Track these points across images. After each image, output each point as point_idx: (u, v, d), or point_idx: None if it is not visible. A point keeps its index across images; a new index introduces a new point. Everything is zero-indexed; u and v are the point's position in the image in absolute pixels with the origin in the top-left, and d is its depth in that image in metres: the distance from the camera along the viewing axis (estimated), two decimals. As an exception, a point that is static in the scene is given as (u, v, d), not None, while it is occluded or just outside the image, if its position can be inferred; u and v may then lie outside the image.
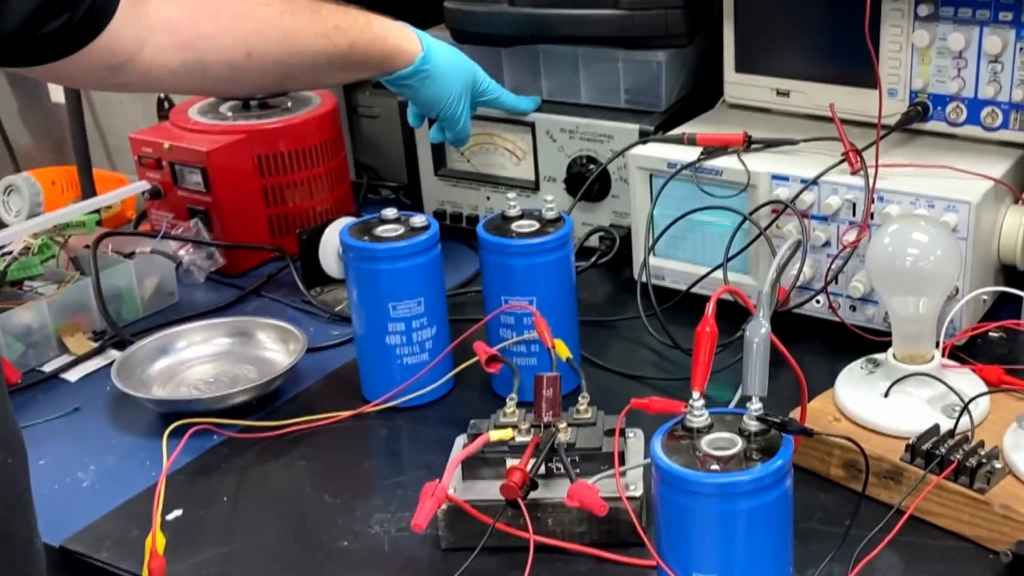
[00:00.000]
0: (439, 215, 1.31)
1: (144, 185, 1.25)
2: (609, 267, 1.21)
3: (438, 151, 1.30)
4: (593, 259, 1.20)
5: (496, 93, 1.19)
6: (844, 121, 1.04)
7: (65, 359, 1.10)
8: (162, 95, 1.57)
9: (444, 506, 0.79)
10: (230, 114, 1.30)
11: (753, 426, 0.67)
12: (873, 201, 0.98)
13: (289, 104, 1.32)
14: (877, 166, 0.98)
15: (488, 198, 1.29)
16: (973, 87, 1.03)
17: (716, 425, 0.68)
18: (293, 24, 0.99)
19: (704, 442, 0.67)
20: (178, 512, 0.86)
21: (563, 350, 0.92)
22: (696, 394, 0.69)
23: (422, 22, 1.30)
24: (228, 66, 0.95)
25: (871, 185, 0.98)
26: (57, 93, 1.65)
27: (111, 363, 1.05)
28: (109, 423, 1.00)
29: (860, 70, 1.07)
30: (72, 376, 1.08)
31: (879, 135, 0.99)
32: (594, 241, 1.22)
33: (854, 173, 1.00)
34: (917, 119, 1.06)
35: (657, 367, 1.05)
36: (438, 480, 0.78)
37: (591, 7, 1.17)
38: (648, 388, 1.01)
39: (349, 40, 1.03)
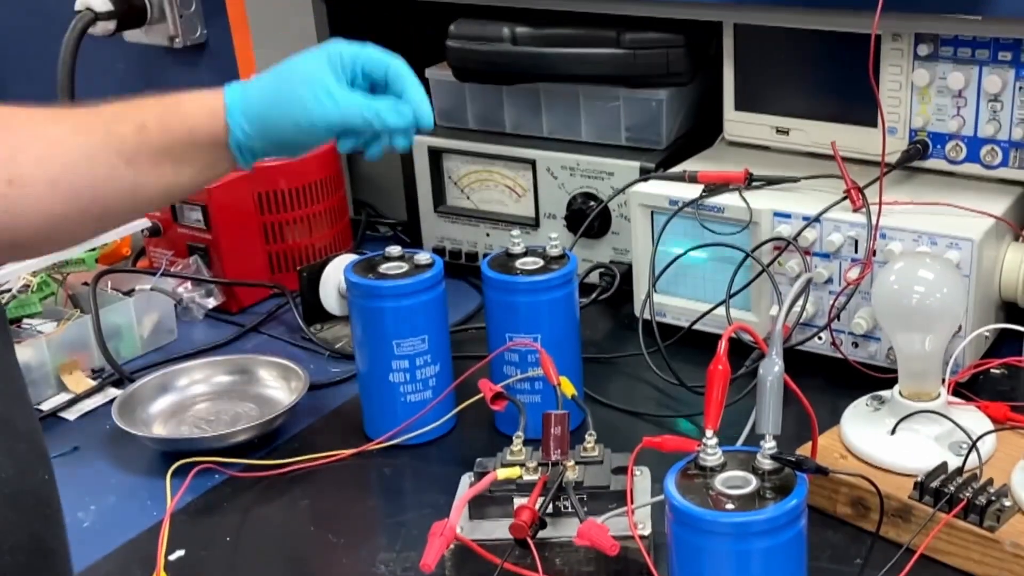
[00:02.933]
0: (439, 251, 1.31)
1: (144, 222, 1.25)
2: (610, 303, 1.21)
3: (438, 188, 1.31)
4: (594, 295, 1.20)
5: (393, 75, 0.86)
6: (843, 159, 1.04)
7: (64, 397, 1.09)
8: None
9: (452, 546, 0.79)
10: (230, 151, 1.30)
11: (767, 464, 0.67)
12: (876, 238, 0.99)
13: (289, 141, 1.32)
14: (881, 203, 0.98)
15: (488, 235, 1.29)
16: (973, 125, 1.04)
17: (729, 463, 0.68)
18: (57, 130, 0.78)
19: (718, 481, 0.67)
20: (180, 552, 0.85)
21: (568, 387, 0.91)
22: (709, 432, 0.68)
23: (424, 61, 1.31)
24: None
25: (875, 222, 0.98)
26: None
27: (111, 401, 1.04)
28: (109, 462, 0.99)
29: (859, 108, 1.08)
30: (71, 415, 1.07)
31: (883, 172, 1.00)
32: (594, 277, 1.22)
33: (856, 210, 1.01)
34: (917, 157, 1.07)
35: (659, 404, 1.05)
36: (446, 519, 0.78)
37: (593, 47, 1.18)
38: (650, 424, 1.01)
39: (136, 123, 0.80)
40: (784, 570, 0.65)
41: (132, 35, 1.53)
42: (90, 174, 0.78)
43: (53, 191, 0.76)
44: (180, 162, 0.81)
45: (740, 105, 1.16)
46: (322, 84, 0.82)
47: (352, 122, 0.83)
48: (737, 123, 1.17)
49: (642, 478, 0.85)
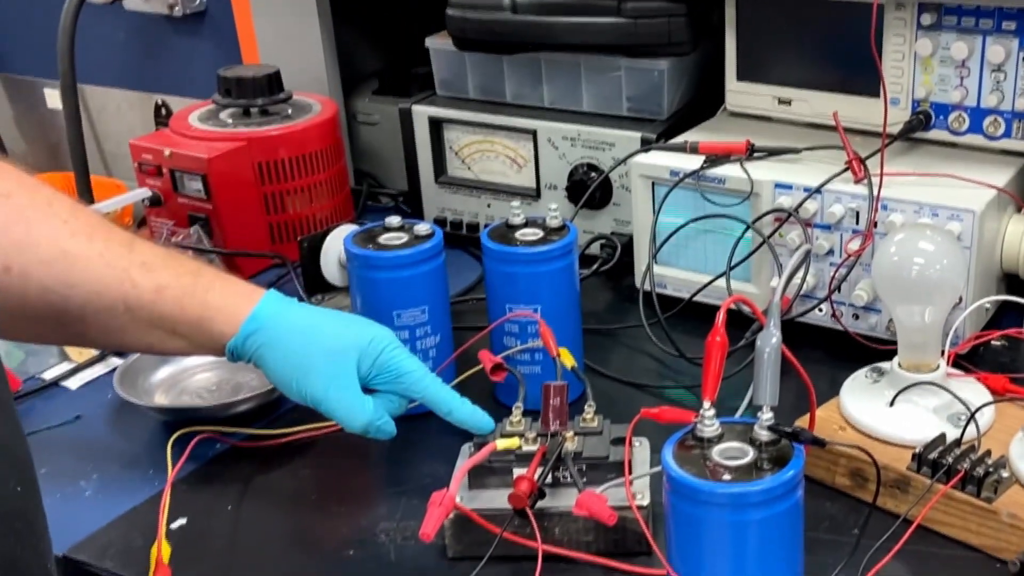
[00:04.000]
0: (439, 222, 1.31)
1: (145, 192, 1.25)
2: (610, 275, 1.21)
3: (438, 158, 1.30)
4: (594, 267, 1.19)
5: (424, 390, 0.86)
6: (845, 130, 1.04)
7: (66, 366, 1.09)
8: (160, 100, 1.57)
9: (451, 515, 0.79)
10: (230, 121, 1.29)
11: (764, 436, 0.67)
12: (877, 210, 0.98)
13: (289, 111, 1.31)
14: (882, 174, 0.98)
15: (489, 205, 1.29)
16: (976, 96, 1.04)
17: (726, 435, 0.68)
18: (78, 246, 0.77)
19: (715, 452, 0.67)
20: (182, 521, 0.86)
21: (568, 359, 0.91)
22: (707, 404, 0.68)
23: (425, 30, 1.30)
24: None
25: (876, 194, 0.98)
26: (54, 99, 1.64)
27: (112, 370, 1.04)
28: (111, 431, 0.99)
29: (861, 79, 1.07)
30: (73, 384, 1.07)
31: (884, 143, 1.00)
32: (595, 249, 1.22)
33: (858, 182, 1.00)
34: (920, 128, 1.06)
35: (659, 375, 1.05)
36: (445, 489, 0.78)
37: (594, 15, 1.17)
38: (650, 396, 1.01)
39: (158, 283, 0.79)
40: (781, 540, 0.66)
41: (132, 3, 1.52)
42: (87, 301, 0.78)
43: (43, 299, 0.77)
44: (174, 335, 0.82)
45: (742, 75, 1.16)
46: (339, 386, 0.83)
47: (348, 425, 0.84)
48: (739, 93, 1.16)
49: (641, 449, 0.85)
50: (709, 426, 0.68)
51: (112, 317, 0.79)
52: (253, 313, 0.82)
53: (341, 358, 0.83)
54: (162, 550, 0.79)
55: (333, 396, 0.83)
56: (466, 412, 0.85)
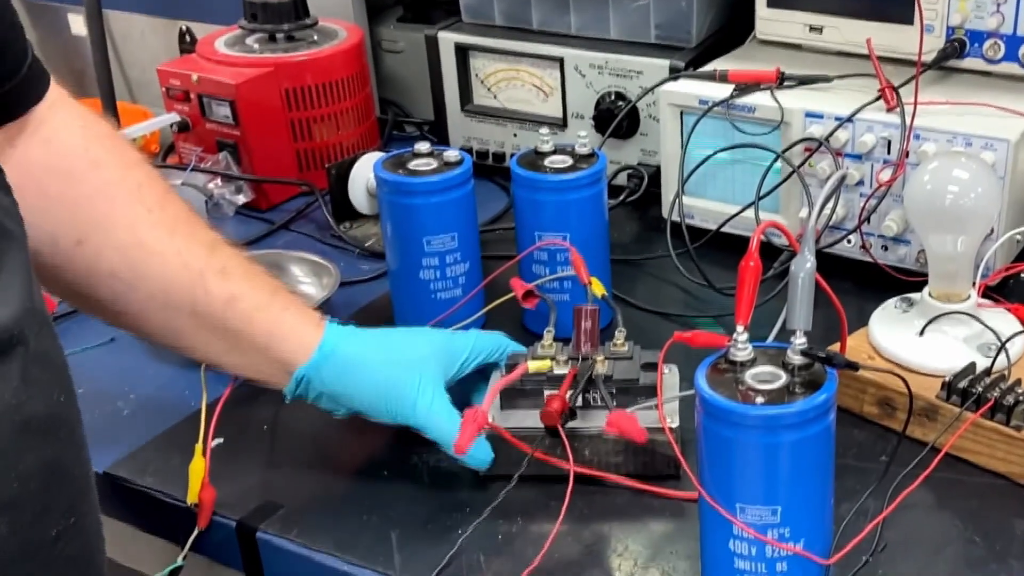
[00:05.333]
0: (465, 151, 1.30)
1: (174, 117, 1.25)
2: (637, 205, 1.21)
3: (464, 86, 1.30)
4: (621, 197, 1.19)
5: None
6: (878, 58, 1.03)
7: (98, 290, 1.10)
8: (184, 27, 1.56)
9: (483, 433, 0.80)
10: (257, 47, 1.29)
11: (797, 360, 0.67)
12: (909, 139, 0.98)
13: (315, 37, 1.31)
14: (916, 103, 0.97)
15: (515, 135, 1.29)
16: (1012, 23, 1.02)
17: (759, 359, 0.68)
18: (157, 240, 0.74)
19: (748, 376, 0.67)
20: (219, 440, 0.87)
21: (599, 287, 0.92)
22: (740, 328, 0.69)
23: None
24: (50, 239, 0.73)
25: (909, 123, 0.97)
26: (77, 24, 1.64)
27: (145, 295, 1.05)
28: (146, 353, 1.00)
29: (895, 5, 1.06)
30: (106, 307, 1.08)
31: (919, 71, 0.99)
32: (622, 180, 1.22)
33: (890, 111, 1.00)
34: (954, 56, 1.05)
35: (686, 305, 1.05)
36: (478, 407, 0.79)
37: (625, -60, 1.15)
38: (677, 325, 1.02)
39: (231, 293, 0.76)
40: (813, 464, 0.66)
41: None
42: (153, 296, 0.75)
43: (108, 283, 0.74)
44: (234, 350, 0.78)
45: (773, 2, 1.14)
46: (428, 395, 0.78)
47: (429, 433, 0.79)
48: (769, 20, 1.15)
49: (671, 375, 0.86)
50: (742, 350, 0.68)
51: (175, 318, 0.76)
52: (323, 340, 0.78)
53: (423, 365, 0.80)
54: (203, 468, 0.81)
55: (422, 408, 0.78)
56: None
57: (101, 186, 0.75)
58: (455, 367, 0.83)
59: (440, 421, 0.79)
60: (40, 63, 0.73)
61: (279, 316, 0.78)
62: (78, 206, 0.74)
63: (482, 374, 0.87)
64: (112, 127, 0.79)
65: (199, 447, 0.83)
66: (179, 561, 0.81)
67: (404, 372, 0.79)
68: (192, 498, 0.81)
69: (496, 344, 0.86)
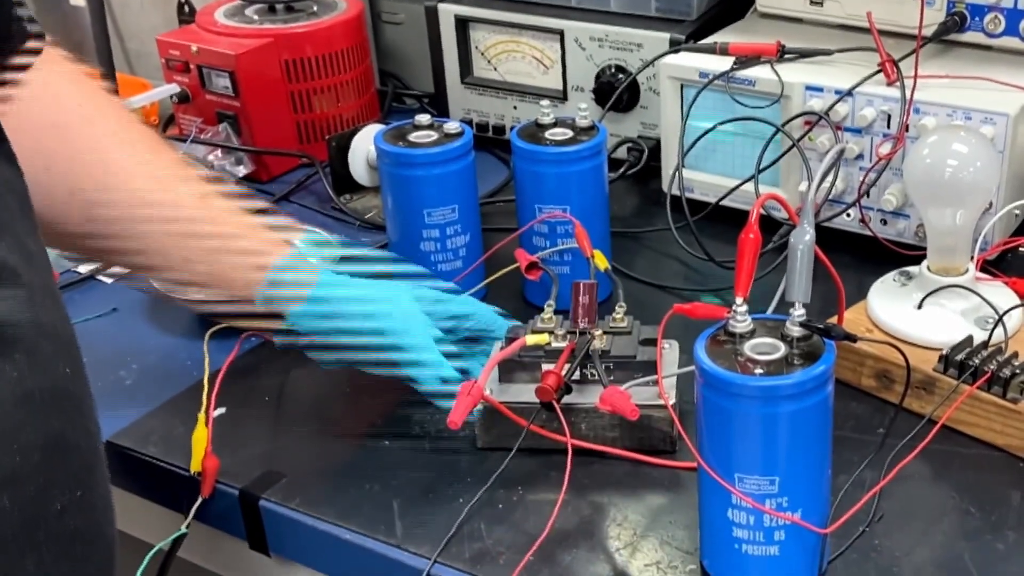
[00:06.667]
0: (465, 124, 1.30)
1: (173, 88, 1.24)
2: (637, 179, 1.21)
3: (464, 58, 1.29)
4: (621, 170, 1.19)
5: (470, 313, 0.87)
6: (878, 31, 1.03)
7: (101, 260, 1.10)
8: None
9: (480, 407, 0.81)
10: (256, 17, 1.29)
11: (795, 332, 0.68)
12: (909, 113, 0.98)
13: (315, 8, 1.30)
14: (916, 77, 0.97)
15: (515, 108, 1.29)
16: (1013, -3, 1.02)
17: (758, 331, 0.69)
18: (123, 156, 0.75)
19: (747, 347, 0.68)
20: (222, 410, 0.88)
21: (602, 260, 0.92)
22: (739, 299, 0.69)
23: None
24: (46, 193, 0.73)
25: (909, 96, 0.97)
26: (76, -6, 1.63)
27: (147, 265, 1.05)
28: (148, 323, 1.01)
29: (897, -21, 1.05)
30: (108, 277, 1.08)
31: (919, 44, 0.99)
32: (622, 153, 1.22)
33: (890, 84, 1.00)
34: (954, 29, 1.05)
35: (686, 278, 1.06)
36: (474, 380, 0.79)
37: (627, -89, 1.15)
38: (677, 299, 1.02)
39: (205, 192, 0.78)
40: (810, 434, 0.67)
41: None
42: (127, 217, 0.76)
43: (78, 207, 0.75)
44: (206, 253, 0.79)
45: (775, -25, 1.14)
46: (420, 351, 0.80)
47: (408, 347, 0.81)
48: (771, -6, 1.15)
49: (670, 351, 0.86)
50: (741, 321, 0.69)
51: (149, 233, 0.78)
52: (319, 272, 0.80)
53: (410, 291, 0.83)
54: (205, 437, 0.81)
55: (414, 337, 0.80)
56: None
57: (93, 142, 0.76)
58: (444, 305, 0.85)
59: (420, 335, 0.81)
60: (21, 20, 0.71)
61: (254, 221, 0.80)
62: (73, 161, 0.75)
63: (480, 346, 0.88)
64: (103, 85, 0.80)
65: (202, 416, 0.83)
66: (182, 529, 0.82)
67: (391, 291, 0.82)
68: (195, 467, 0.81)
69: (492, 315, 0.88)
